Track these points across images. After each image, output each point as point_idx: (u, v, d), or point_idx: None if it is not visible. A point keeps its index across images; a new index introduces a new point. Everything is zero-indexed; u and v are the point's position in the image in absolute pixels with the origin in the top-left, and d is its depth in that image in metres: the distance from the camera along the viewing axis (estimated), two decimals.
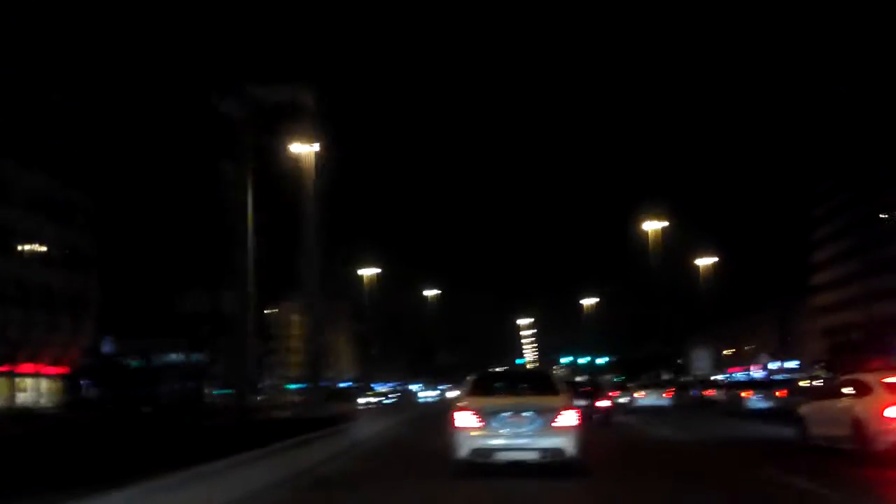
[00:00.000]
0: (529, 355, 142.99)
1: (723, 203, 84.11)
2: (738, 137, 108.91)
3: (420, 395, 78.43)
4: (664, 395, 40.29)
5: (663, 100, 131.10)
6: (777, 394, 32.97)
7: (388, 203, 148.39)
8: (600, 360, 76.88)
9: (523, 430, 10.72)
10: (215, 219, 49.71)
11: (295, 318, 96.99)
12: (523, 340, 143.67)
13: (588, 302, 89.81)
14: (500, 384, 13.08)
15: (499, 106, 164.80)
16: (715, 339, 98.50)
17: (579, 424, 11.09)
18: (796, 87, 76.33)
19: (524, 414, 10.79)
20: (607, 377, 68.04)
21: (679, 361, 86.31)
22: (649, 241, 54.74)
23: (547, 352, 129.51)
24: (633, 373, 71.09)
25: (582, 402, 22.05)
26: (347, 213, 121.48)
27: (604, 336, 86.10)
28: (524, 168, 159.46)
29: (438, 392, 78.95)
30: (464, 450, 10.97)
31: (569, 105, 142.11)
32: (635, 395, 40.64)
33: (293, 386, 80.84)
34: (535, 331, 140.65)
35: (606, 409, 25.47)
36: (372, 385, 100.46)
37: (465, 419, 11.01)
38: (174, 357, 52.41)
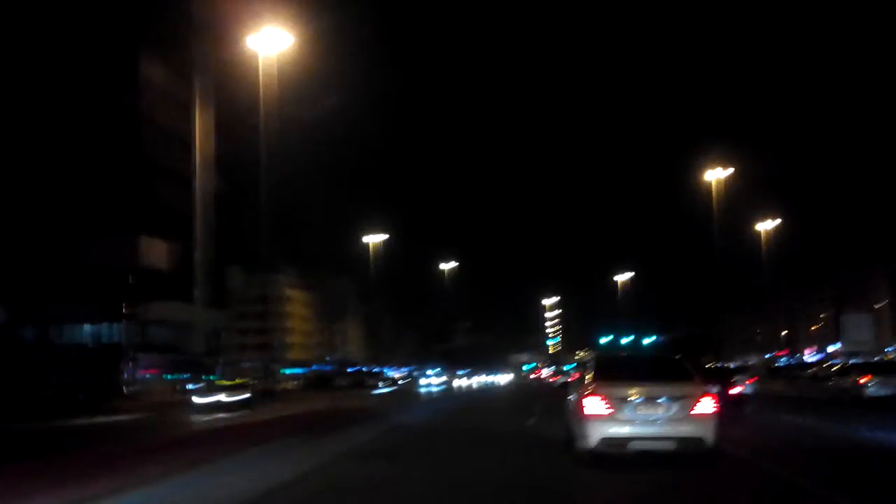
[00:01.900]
0: (554, 337, 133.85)
1: (784, 152, 72.19)
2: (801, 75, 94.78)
3: (422, 382, 64.98)
4: (748, 381, 34.10)
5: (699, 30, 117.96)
6: None
7: (403, 164, 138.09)
8: (646, 341, 67.47)
9: (659, 418, 10.02)
10: (133, 143, 38.86)
11: (293, 293, 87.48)
12: (548, 322, 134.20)
13: (622, 278, 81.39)
14: (626, 368, 11.95)
15: (526, 51, 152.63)
16: (757, 319, 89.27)
17: (717, 412, 10.19)
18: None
19: (659, 400, 10.08)
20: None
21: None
22: (712, 192, 44.76)
23: (575, 332, 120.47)
24: (686, 355, 61.18)
25: (713, 389, 17.79)
26: (358, 172, 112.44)
27: (641, 315, 76.73)
28: (550, 130, 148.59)
29: (444, 379, 66.30)
30: (594, 439, 10.16)
31: (603, 46, 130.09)
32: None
33: (289, 370, 72.05)
34: (559, 311, 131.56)
35: (738, 396, 22.02)
36: (384, 370, 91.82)
37: (594, 405, 10.24)
38: (87, 328, 40.50)
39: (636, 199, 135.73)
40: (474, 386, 67.20)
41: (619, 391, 10.28)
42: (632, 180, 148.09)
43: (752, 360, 72.68)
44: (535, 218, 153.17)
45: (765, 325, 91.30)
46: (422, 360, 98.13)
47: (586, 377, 11.74)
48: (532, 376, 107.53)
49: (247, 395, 28.42)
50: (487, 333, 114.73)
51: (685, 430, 10.01)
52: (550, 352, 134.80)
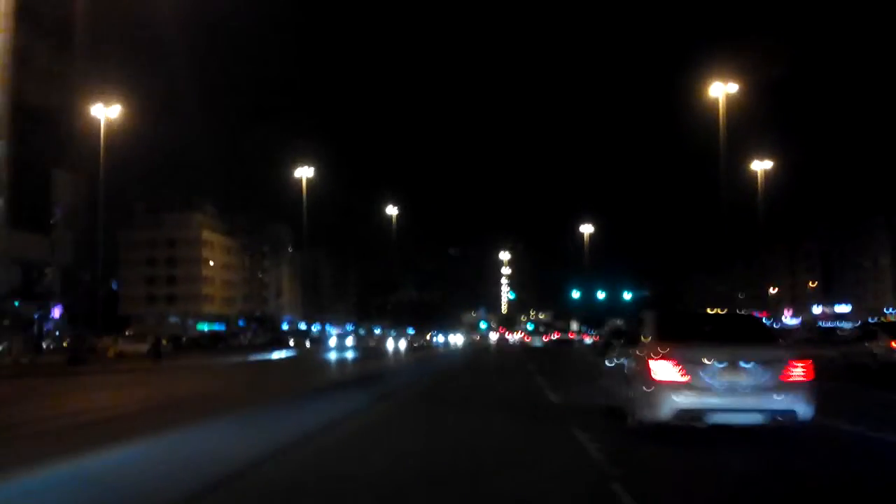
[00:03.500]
0: (509, 293, 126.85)
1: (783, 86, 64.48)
2: None
3: (331, 343, 54.88)
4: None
5: None
6: None
7: (344, 101, 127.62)
8: (627, 296, 60.00)
9: (744, 386, 8.58)
10: None
11: (211, 236, 76.47)
12: (503, 278, 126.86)
13: (587, 229, 73.95)
14: (695, 327, 10.21)
15: None
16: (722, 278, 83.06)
17: (813, 379, 8.74)
18: None
19: (744, 365, 8.61)
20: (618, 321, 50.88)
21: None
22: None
23: (530, 291, 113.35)
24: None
25: None
26: (295, 111, 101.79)
27: (610, 270, 69.30)
28: (501, 64, 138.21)
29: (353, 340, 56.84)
30: (666, 410, 8.68)
31: None
32: None
33: (206, 326, 62.51)
34: (509, 270, 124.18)
35: None
36: (326, 327, 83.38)
37: (666, 371, 8.75)
38: None
39: (601, 142, 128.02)
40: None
41: (695, 354, 8.70)
42: (594, 121, 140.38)
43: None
44: (488, 170, 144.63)
45: (741, 284, 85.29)
46: (364, 317, 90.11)
47: (642, 338, 9.83)
48: (494, 336, 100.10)
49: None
50: (436, 291, 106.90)
51: (777, 400, 8.53)
52: (504, 312, 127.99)
